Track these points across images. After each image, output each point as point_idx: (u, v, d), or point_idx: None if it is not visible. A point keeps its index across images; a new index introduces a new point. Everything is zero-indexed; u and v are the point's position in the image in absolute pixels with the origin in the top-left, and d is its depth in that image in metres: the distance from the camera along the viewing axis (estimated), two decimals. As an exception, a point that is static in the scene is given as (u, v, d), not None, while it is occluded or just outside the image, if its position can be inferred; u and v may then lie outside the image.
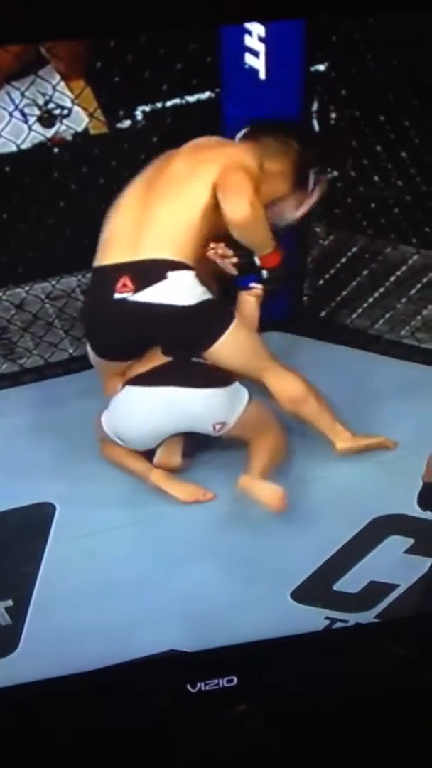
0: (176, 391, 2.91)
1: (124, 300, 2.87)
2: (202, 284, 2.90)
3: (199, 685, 2.34)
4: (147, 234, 2.91)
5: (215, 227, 2.96)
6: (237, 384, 2.99)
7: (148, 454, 3.03)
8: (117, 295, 2.87)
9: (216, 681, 2.34)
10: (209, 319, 2.91)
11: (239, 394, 2.99)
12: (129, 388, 2.96)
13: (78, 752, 2.35)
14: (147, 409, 2.95)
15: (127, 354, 3.02)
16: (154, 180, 3.01)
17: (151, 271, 2.87)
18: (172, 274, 2.86)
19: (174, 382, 2.91)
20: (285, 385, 3.01)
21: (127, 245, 2.92)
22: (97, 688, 2.39)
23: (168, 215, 2.92)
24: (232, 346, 2.94)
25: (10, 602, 2.73)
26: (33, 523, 2.93)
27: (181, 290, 2.86)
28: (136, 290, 2.86)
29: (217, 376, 2.96)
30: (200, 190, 2.93)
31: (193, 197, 2.93)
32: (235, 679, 2.35)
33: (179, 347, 2.95)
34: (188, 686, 2.35)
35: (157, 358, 2.97)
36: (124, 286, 2.86)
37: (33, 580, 2.77)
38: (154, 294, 2.86)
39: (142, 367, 2.98)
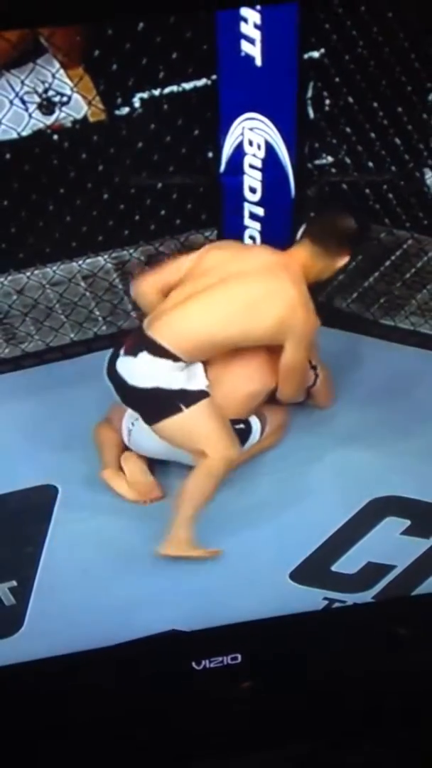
0: None
1: (117, 356, 2.91)
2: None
3: (203, 662, 2.38)
4: (166, 316, 2.89)
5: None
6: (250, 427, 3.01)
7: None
8: (120, 351, 2.90)
9: (220, 659, 2.37)
10: (152, 404, 2.86)
11: (250, 438, 3.01)
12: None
13: (84, 729, 2.38)
14: (155, 442, 2.95)
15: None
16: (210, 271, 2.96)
17: (135, 343, 2.88)
18: (142, 354, 2.85)
19: None
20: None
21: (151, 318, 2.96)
22: (103, 666, 2.41)
23: (198, 314, 2.89)
24: (171, 430, 2.87)
25: (14, 583, 2.77)
26: (35, 505, 2.96)
27: (137, 371, 2.85)
28: (125, 354, 2.88)
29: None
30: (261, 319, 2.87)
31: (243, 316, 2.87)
32: (239, 656, 2.38)
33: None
34: (193, 664, 2.38)
35: None
36: (123, 345, 2.91)
37: (36, 561, 2.81)
38: (121, 364, 2.88)
39: None
